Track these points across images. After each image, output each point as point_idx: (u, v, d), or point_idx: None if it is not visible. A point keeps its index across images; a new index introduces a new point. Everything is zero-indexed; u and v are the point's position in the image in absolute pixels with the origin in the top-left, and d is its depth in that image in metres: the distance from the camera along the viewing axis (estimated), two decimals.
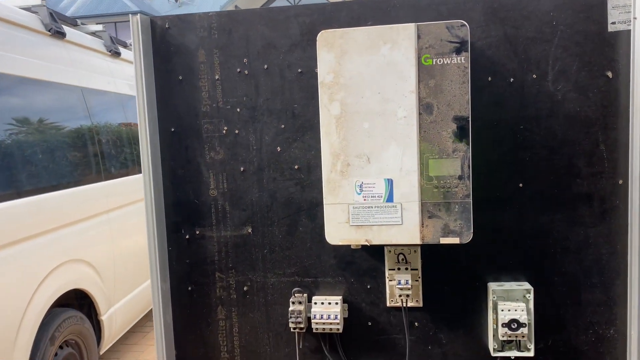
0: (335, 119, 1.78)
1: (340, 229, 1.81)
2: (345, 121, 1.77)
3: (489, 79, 1.88)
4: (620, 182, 1.84)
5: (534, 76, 1.86)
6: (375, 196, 1.78)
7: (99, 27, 4.29)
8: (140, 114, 2.05)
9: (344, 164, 1.79)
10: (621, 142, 1.84)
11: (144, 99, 2.04)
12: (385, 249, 1.97)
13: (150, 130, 2.06)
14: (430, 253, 1.97)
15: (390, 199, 1.78)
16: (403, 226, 1.78)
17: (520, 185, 1.90)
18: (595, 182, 1.86)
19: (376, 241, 1.80)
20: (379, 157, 1.77)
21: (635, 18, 1.77)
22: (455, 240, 1.77)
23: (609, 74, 1.82)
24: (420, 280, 1.98)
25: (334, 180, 1.80)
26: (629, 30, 1.79)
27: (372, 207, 1.79)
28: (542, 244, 1.91)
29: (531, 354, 1.87)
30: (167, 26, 2.05)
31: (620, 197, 1.85)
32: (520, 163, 1.89)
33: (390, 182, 1.77)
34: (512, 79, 1.87)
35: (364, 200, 1.79)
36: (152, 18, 2.07)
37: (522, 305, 1.85)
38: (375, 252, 2.01)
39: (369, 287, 2.03)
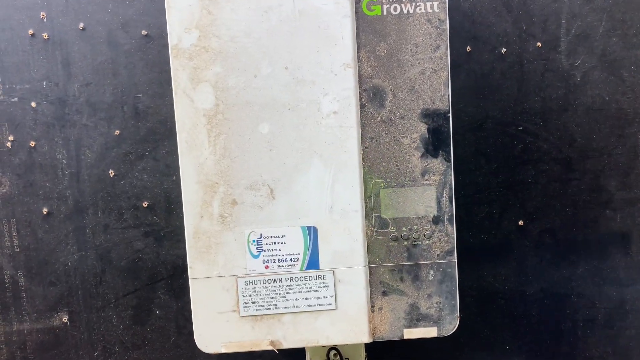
0: (205, 118, 0.93)
1: (221, 324, 0.97)
2: (226, 121, 0.93)
3: (468, 49, 1.13)
4: None
5: (539, 44, 1.13)
6: (285, 260, 0.96)
7: None
8: None
9: (225, 201, 0.95)
10: None
11: None
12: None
13: None
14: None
15: (313, 263, 0.96)
16: (339, 312, 0.97)
17: (520, 223, 1.16)
18: (633, 215, 1.17)
19: (290, 342, 0.98)
20: (290, 187, 0.95)
21: None
22: (430, 331, 0.99)
23: None
24: None
25: (208, 233, 0.95)
26: None
27: (280, 281, 0.96)
28: (556, 315, 1.19)
29: None
30: None
31: None
32: (518, 187, 1.16)
33: (312, 233, 0.96)
34: (503, 49, 1.13)
35: (266, 267, 0.96)
36: None
37: None
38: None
39: None
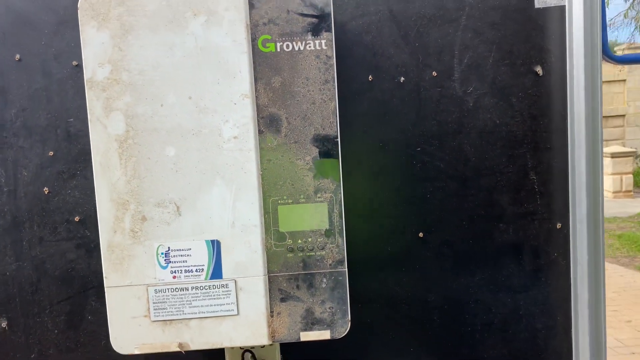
0: (117, 142, 1.04)
1: (134, 328, 1.07)
2: (136, 145, 1.04)
3: (369, 78, 1.24)
4: (559, 225, 1.28)
5: (434, 73, 1.25)
6: (191, 270, 1.07)
7: None
8: None
9: (136, 217, 1.06)
10: (557, 169, 1.27)
11: None
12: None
13: None
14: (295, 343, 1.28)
15: (217, 273, 1.07)
16: (240, 317, 1.08)
17: (421, 235, 1.27)
18: (524, 227, 1.28)
19: (197, 345, 1.08)
20: (195, 204, 1.06)
21: None
22: (323, 334, 1.09)
23: (538, 70, 1.25)
24: None
25: (121, 246, 1.06)
26: (563, 7, 1.24)
27: (187, 290, 1.07)
28: (456, 320, 1.29)
29: None
30: None
31: (558, 247, 1.28)
32: (418, 202, 1.26)
33: (215, 246, 1.07)
34: (402, 78, 1.25)
35: (174, 277, 1.07)
36: None
37: None
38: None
39: None
